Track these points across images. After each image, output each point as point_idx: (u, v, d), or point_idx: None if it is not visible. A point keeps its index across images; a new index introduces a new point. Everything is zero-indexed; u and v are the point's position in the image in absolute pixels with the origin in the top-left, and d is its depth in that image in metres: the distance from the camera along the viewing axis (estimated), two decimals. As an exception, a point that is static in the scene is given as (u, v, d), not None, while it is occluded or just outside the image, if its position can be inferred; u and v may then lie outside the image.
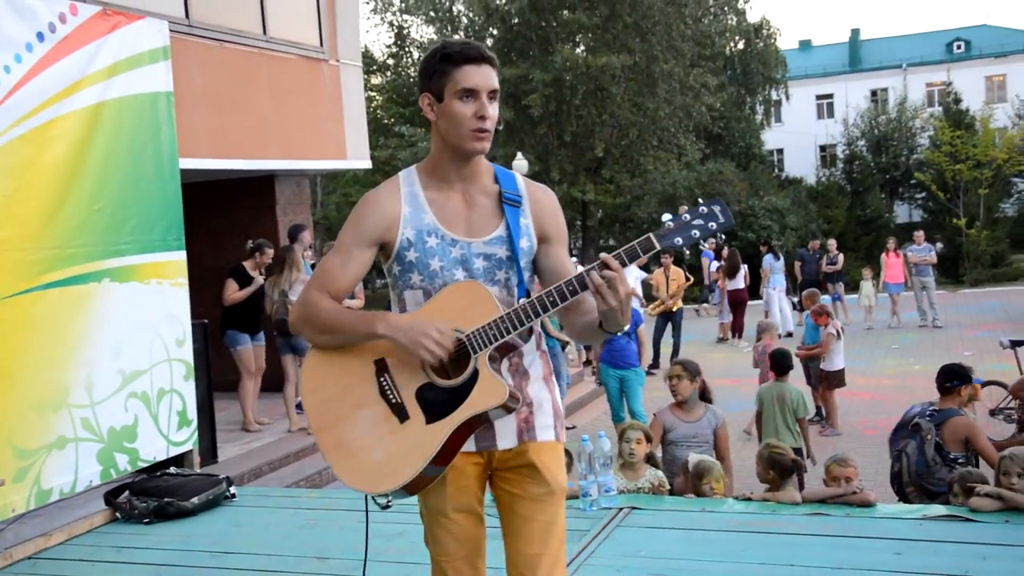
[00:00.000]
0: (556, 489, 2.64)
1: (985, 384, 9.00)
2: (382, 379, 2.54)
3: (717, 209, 2.53)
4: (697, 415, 6.21)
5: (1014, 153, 31.11)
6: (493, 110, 2.56)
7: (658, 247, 2.46)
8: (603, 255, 2.46)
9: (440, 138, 2.59)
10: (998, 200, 34.93)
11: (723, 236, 22.63)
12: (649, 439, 5.72)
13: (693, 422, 6.19)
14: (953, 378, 6.21)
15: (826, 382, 10.51)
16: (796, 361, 11.59)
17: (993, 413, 9.64)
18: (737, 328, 17.51)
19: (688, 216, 2.52)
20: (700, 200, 2.59)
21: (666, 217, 2.53)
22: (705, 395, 6.40)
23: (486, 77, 2.53)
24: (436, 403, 2.50)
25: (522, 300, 2.53)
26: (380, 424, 2.54)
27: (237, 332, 9.16)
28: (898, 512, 4.84)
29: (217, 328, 8.74)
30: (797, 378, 11.25)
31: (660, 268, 15.45)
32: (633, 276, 14.92)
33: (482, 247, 2.60)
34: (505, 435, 2.60)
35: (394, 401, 2.53)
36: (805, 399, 7.87)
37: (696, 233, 2.51)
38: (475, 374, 2.49)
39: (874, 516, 4.71)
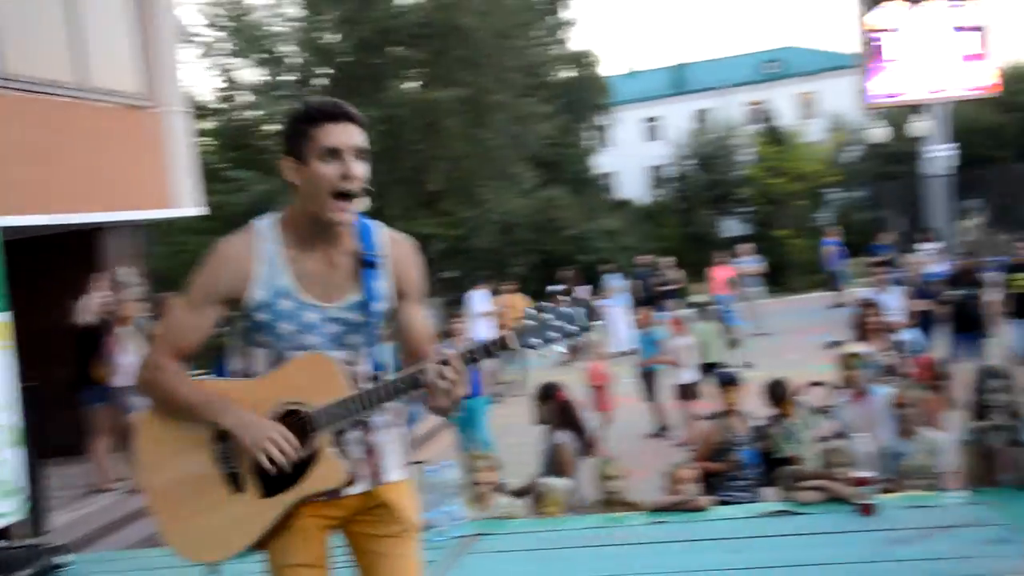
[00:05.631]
0: (410, 526, 2.66)
1: (812, 385, 9.49)
2: (222, 445, 2.47)
3: (581, 312, 2.46)
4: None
5: (825, 166, 33.03)
6: (360, 169, 2.45)
7: (515, 347, 2.41)
8: (449, 353, 2.42)
9: (302, 202, 2.48)
10: (814, 210, 36.95)
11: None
12: (497, 468, 5.79)
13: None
14: None
15: (681, 394, 10.79)
16: (635, 377, 11.98)
17: (819, 412, 10.14)
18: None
19: (549, 315, 2.44)
20: (563, 301, 2.51)
21: (530, 312, 2.46)
22: (566, 416, 6.50)
23: (350, 135, 2.43)
24: (274, 476, 2.43)
25: (369, 386, 2.48)
26: (210, 492, 2.49)
27: (101, 389, 8.76)
28: (733, 513, 5.09)
29: (46, 390, 8.34)
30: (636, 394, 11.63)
31: (505, 295, 15.68)
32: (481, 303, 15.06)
33: (337, 312, 2.54)
34: (356, 482, 2.56)
35: (230, 470, 2.48)
36: None
37: (553, 335, 2.44)
38: (315, 452, 2.45)
39: (710, 519, 4.94)
